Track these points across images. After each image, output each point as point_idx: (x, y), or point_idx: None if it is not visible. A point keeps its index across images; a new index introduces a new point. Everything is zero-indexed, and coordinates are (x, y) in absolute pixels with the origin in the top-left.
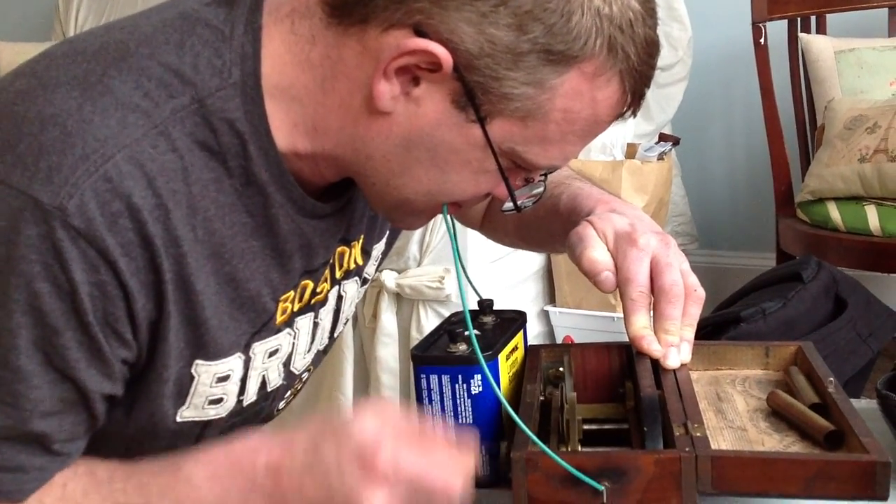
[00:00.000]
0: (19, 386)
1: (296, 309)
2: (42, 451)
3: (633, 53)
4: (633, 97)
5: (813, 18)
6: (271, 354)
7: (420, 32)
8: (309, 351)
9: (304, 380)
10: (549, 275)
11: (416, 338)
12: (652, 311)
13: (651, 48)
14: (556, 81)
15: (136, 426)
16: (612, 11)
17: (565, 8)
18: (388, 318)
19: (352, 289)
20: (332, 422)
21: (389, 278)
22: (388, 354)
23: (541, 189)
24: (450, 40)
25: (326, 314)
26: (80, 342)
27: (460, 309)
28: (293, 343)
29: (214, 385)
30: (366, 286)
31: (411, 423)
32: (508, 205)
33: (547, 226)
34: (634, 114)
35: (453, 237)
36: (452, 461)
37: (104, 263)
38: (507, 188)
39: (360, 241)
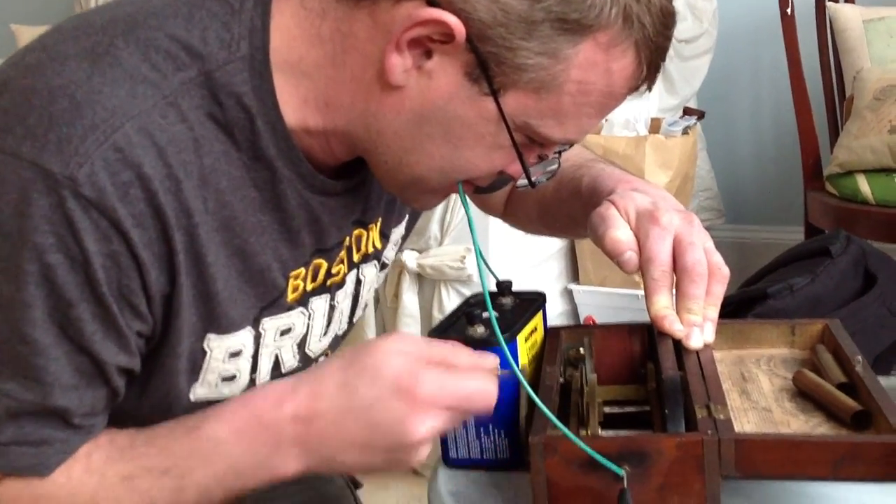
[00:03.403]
0: (38, 359)
1: (309, 288)
2: (64, 426)
3: (649, 23)
4: (648, 69)
5: None
6: (283, 333)
7: (432, 2)
8: (325, 334)
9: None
10: (572, 253)
11: (437, 318)
12: (675, 291)
13: (667, 18)
14: (570, 52)
15: (150, 404)
16: None
17: None
18: (410, 299)
19: (370, 272)
20: (356, 361)
21: (410, 258)
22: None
23: (555, 166)
24: (462, 10)
25: (344, 298)
26: (94, 314)
27: (481, 289)
28: (308, 324)
29: (227, 361)
30: (385, 270)
31: (432, 349)
32: (522, 181)
33: (568, 209)
34: (650, 87)
35: (469, 215)
36: (480, 371)
37: (116, 234)
38: (521, 162)
39: (378, 224)
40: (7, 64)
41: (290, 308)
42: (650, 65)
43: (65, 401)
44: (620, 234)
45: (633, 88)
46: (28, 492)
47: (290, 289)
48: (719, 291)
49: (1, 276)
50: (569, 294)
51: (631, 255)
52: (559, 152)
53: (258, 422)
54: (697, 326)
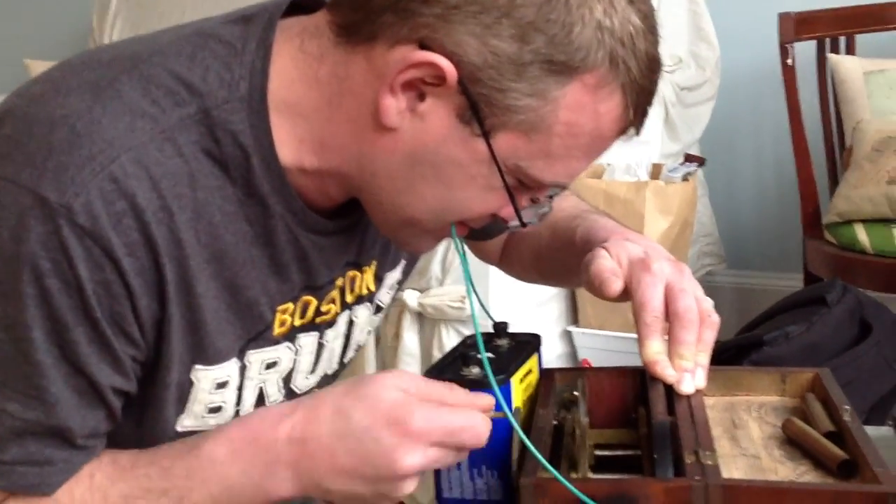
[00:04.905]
0: (40, 380)
1: (297, 324)
2: (67, 446)
3: (635, 67)
4: (635, 112)
5: (842, 39)
6: (269, 366)
7: (425, 47)
8: (313, 372)
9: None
10: (572, 295)
11: (437, 357)
12: (667, 337)
13: (652, 63)
14: (558, 93)
15: (143, 435)
16: (612, 25)
17: (566, 19)
18: (411, 338)
19: (363, 314)
20: (354, 390)
21: (412, 297)
22: None
23: (546, 209)
24: (454, 53)
25: (335, 337)
26: (90, 337)
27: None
28: (294, 359)
29: (213, 392)
30: (380, 314)
31: (430, 386)
32: (514, 223)
33: (562, 258)
34: (638, 131)
35: (463, 258)
36: (473, 408)
37: (109, 262)
38: (512, 201)
39: (373, 266)
40: (15, 93)
41: (276, 342)
42: (637, 108)
43: (67, 420)
44: (607, 262)
45: (621, 131)
46: None
47: (276, 323)
48: (710, 338)
49: (3, 298)
50: (568, 336)
51: (612, 278)
52: (551, 196)
53: (254, 442)
54: (689, 372)
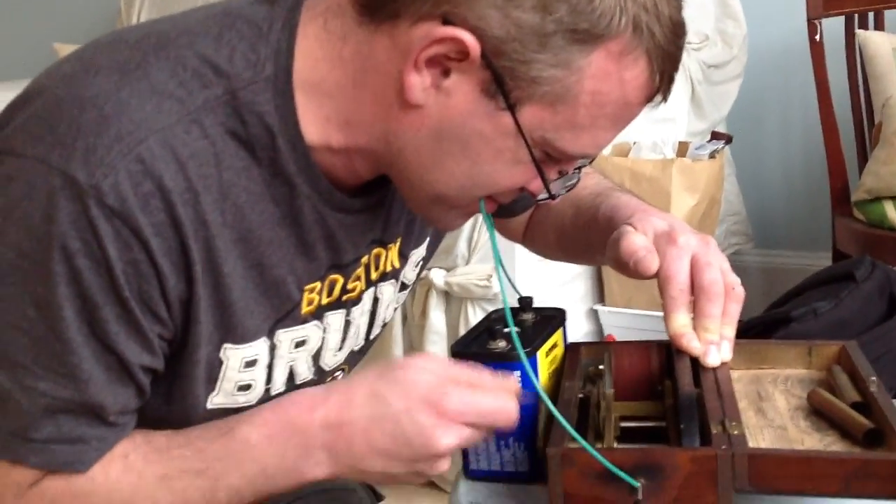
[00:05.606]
0: (72, 357)
1: (324, 302)
2: (99, 423)
3: (659, 33)
4: (661, 78)
5: (871, 14)
6: (298, 345)
7: (448, 22)
8: (340, 349)
9: (337, 379)
10: (598, 273)
11: None
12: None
13: (677, 28)
14: (583, 62)
15: (172, 413)
16: None
17: None
18: (437, 316)
19: (388, 291)
20: (387, 374)
21: (438, 276)
22: (438, 352)
23: (574, 181)
24: (477, 27)
25: (360, 314)
26: (118, 316)
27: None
28: (323, 337)
29: (243, 370)
30: (405, 291)
31: (458, 370)
32: (543, 195)
33: (586, 236)
34: (665, 98)
35: (492, 232)
36: (502, 391)
37: (137, 242)
38: (540, 173)
39: (398, 243)
40: (44, 73)
41: (304, 321)
42: (663, 73)
43: (99, 397)
44: (638, 239)
45: (648, 98)
46: (69, 490)
47: (304, 302)
48: (735, 311)
49: (34, 277)
50: (594, 315)
51: (649, 256)
52: (579, 168)
53: (290, 426)
54: (714, 345)
